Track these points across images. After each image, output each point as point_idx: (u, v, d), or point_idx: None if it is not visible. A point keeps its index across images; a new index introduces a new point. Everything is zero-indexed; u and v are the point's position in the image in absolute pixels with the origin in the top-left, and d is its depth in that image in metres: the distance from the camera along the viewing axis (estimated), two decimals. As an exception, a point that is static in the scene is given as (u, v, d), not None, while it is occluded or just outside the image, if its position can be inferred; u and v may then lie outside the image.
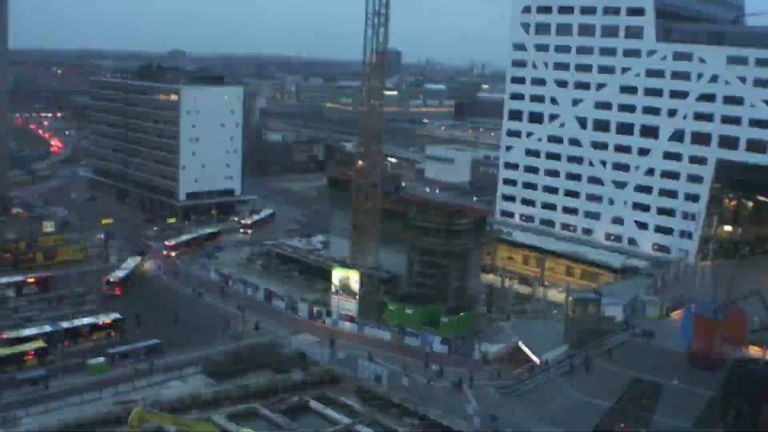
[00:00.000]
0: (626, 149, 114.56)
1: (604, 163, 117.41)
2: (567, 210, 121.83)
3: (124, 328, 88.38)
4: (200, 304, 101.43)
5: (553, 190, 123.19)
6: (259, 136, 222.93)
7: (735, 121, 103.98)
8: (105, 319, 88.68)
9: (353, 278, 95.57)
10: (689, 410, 66.48)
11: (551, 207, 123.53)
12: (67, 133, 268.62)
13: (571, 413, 69.56)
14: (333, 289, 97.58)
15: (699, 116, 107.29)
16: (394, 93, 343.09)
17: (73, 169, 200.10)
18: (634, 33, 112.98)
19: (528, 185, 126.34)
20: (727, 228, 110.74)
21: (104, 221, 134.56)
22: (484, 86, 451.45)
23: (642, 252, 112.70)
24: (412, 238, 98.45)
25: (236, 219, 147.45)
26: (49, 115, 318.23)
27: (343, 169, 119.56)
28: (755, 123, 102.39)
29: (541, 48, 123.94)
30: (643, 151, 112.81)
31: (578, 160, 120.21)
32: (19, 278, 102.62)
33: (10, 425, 63.91)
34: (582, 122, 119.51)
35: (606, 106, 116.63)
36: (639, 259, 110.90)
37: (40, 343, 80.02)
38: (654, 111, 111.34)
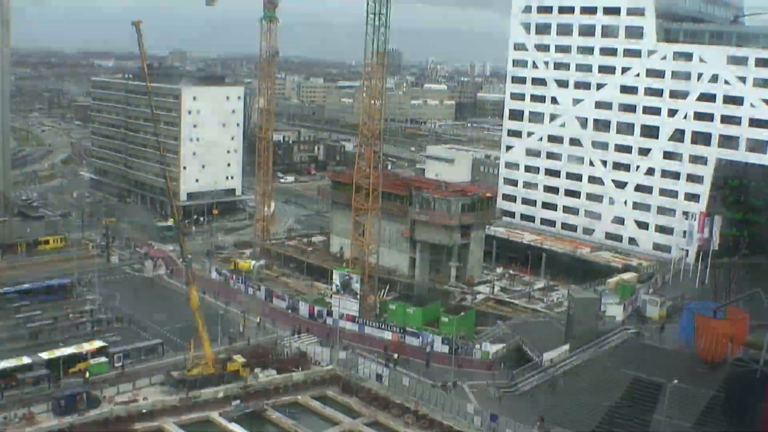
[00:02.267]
0: (626, 149, 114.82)
1: (604, 162, 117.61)
2: (567, 210, 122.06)
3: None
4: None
5: (553, 190, 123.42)
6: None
7: (735, 121, 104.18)
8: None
9: (354, 278, 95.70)
10: (689, 410, 66.57)
11: (552, 207, 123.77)
12: (69, 133, 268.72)
13: (572, 413, 69.63)
14: (334, 288, 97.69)
15: (699, 116, 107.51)
16: (395, 93, 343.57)
17: (73, 169, 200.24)
18: (635, 33, 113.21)
19: (528, 185, 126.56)
20: (727, 228, 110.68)
21: (106, 221, 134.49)
22: (485, 86, 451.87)
23: (642, 252, 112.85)
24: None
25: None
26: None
27: (345, 170, 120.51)
28: (755, 123, 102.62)
29: (542, 48, 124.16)
30: (644, 151, 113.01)
31: (579, 159, 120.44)
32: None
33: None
34: (582, 122, 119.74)
35: (606, 105, 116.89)
36: (639, 258, 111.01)
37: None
38: (654, 111, 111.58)
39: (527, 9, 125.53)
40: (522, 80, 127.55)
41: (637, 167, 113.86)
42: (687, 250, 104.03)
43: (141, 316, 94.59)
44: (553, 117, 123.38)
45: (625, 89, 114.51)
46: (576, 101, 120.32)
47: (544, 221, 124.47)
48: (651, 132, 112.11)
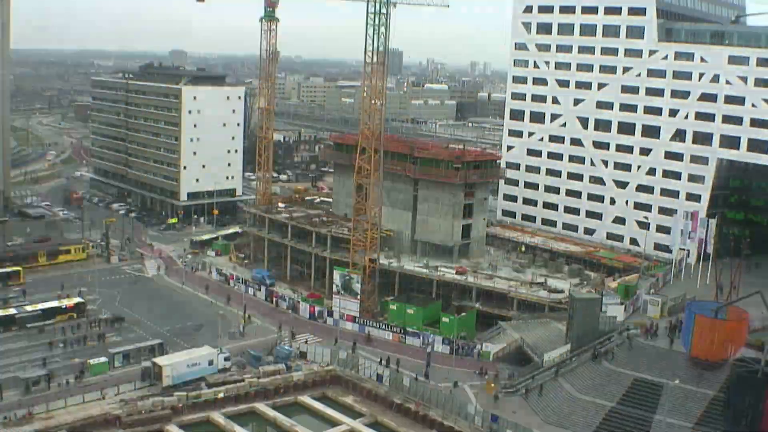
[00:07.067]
0: (627, 149, 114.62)
1: (605, 162, 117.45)
2: (568, 210, 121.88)
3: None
4: (201, 302, 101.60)
5: (554, 190, 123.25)
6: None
7: (736, 120, 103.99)
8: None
9: (354, 278, 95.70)
10: (689, 410, 66.49)
11: (553, 207, 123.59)
12: (69, 132, 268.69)
13: (572, 413, 69.55)
14: (334, 288, 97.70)
15: (700, 116, 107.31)
16: (396, 92, 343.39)
17: (74, 169, 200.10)
18: (636, 33, 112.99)
19: (529, 185, 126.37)
20: (728, 227, 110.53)
21: (106, 221, 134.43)
22: (485, 86, 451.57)
23: (643, 252, 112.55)
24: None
25: None
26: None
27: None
28: (756, 123, 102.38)
29: (543, 48, 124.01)
30: (645, 151, 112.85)
31: (579, 159, 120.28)
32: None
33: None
34: (583, 122, 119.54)
35: (607, 105, 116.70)
36: (640, 258, 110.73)
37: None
38: (655, 111, 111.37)
39: (528, 8, 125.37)
40: (523, 80, 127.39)
41: (639, 167, 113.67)
42: (688, 251, 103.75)
43: (141, 316, 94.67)
44: (554, 117, 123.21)
45: (626, 89, 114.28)
46: (577, 101, 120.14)
47: (545, 221, 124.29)
48: (652, 132, 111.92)
